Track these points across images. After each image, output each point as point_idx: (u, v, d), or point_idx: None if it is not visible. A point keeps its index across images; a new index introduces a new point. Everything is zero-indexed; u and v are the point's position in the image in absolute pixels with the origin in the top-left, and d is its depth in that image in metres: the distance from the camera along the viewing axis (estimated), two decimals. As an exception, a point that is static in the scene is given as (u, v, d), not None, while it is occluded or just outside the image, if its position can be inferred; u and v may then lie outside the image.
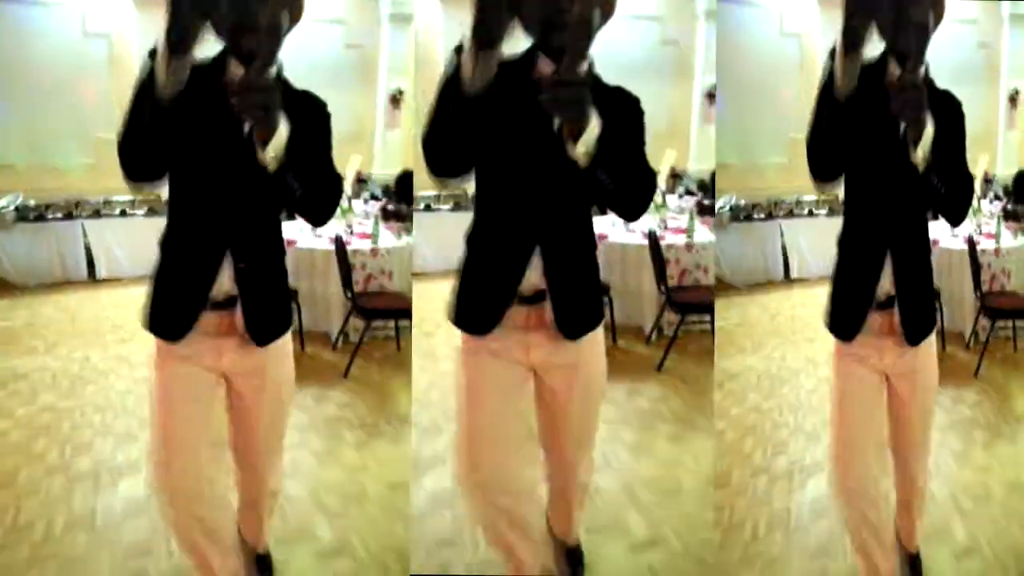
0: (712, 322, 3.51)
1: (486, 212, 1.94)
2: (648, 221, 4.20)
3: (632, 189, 1.90)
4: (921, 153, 1.84)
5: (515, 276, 1.91)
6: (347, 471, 2.87)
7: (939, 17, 1.92)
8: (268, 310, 1.93)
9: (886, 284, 2.00)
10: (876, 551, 2.11)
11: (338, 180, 1.95)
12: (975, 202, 4.22)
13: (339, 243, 3.95)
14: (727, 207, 4.09)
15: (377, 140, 4.88)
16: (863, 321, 2.02)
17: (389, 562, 2.41)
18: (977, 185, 4.37)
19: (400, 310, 3.78)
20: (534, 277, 1.92)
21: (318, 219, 1.94)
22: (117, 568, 2.31)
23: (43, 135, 4.44)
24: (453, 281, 1.99)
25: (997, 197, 4.47)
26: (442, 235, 4.40)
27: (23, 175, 4.42)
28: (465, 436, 1.98)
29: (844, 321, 2.05)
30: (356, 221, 4.28)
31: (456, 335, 1.99)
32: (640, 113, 1.94)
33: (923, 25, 1.88)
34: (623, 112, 1.90)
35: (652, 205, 4.20)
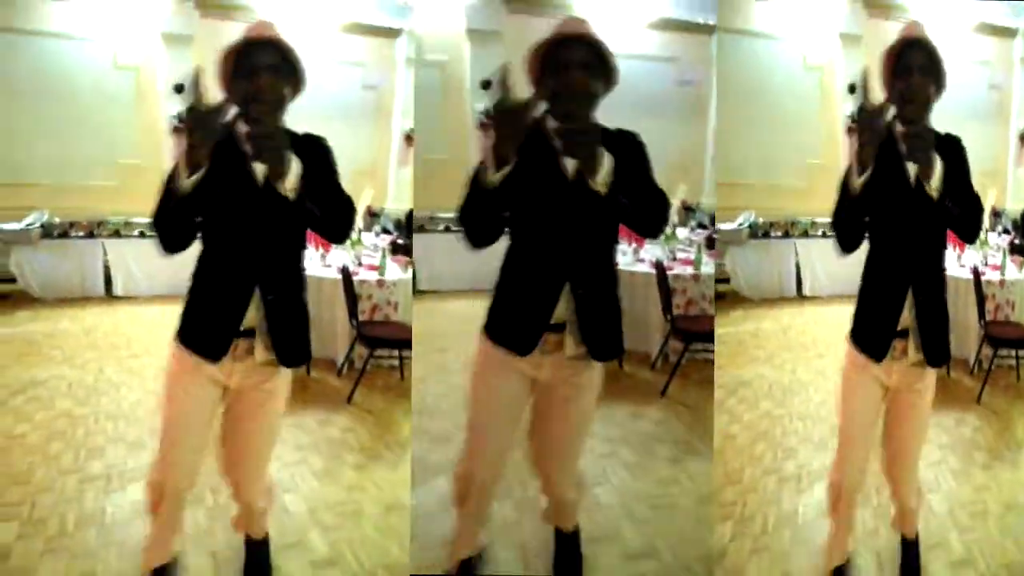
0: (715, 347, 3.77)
1: (520, 247, 2.22)
2: (656, 252, 4.49)
3: (648, 208, 2.18)
4: (935, 184, 2.22)
5: (550, 306, 2.20)
6: (345, 490, 3.06)
7: (940, 89, 2.30)
8: (293, 337, 2.20)
9: (906, 314, 2.34)
10: (842, 528, 2.49)
11: (350, 201, 2.20)
12: (982, 235, 4.48)
13: (346, 273, 4.17)
14: (746, 224, 4.34)
15: (390, 176, 5.12)
16: (890, 345, 2.35)
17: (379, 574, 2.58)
18: (986, 219, 4.65)
19: (404, 340, 3.99)
20: (560, 309, 2.20)
21: (337, 236, 2.23)
22: (125, 562, 2.51)
23: (70, 158, 4.71)
24: (489, 301, 2.27)
25: (1006, 231, 4.71)
26: (438, 256, 4.67)
27: (49, 195, 4.67)
28: (473, 425, 2.30)
29: (869, 341, 2.37)
30: (365, 253, 4.51)
31: (465, 351, 2.26)
32: (641, 145, 2.23)
33: (927, 100, 2.28)
34: (627, 148, 2.19)
35: (662, 237, 4.53)
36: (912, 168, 2.27)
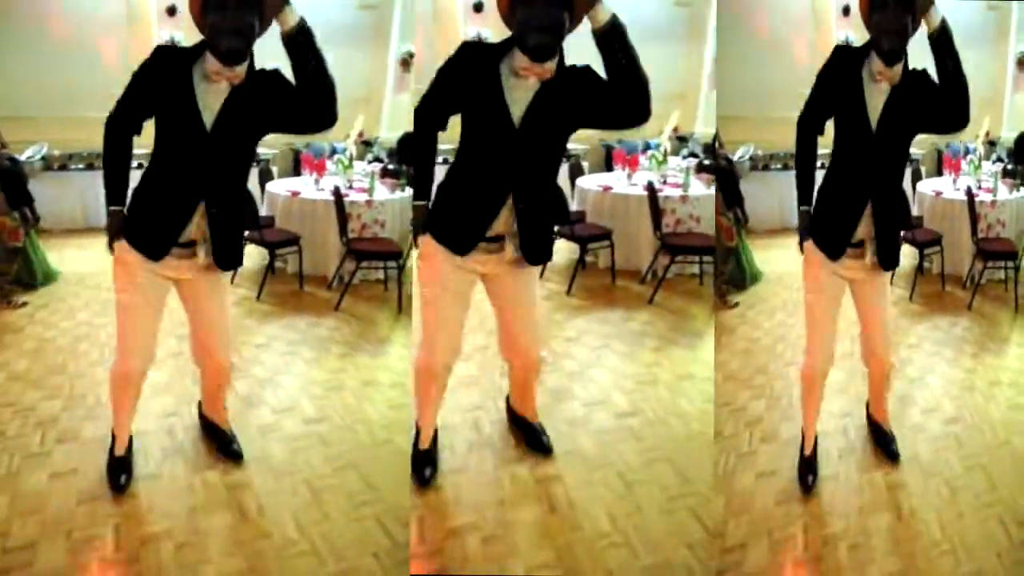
0: (702, 264, 4.72)
1: (468, 161, 2.77)
2: (649, 176, 5.17)
3: (619, 95, 2.61)
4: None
5: (490, 218, 2.77)
6: (330, 372, 3.86)
7: (916, 22, 2.75)
8: (231, 246, 2.81)
9: (864, 224, 2.90)
10: (812, 414, 3.12)
11: (329, 88, 2.65)
12: (976, 160, 5.19)
13: (337, 194, 4.86)
14: (746, 157, 4.88)
15: (385, 103, 5.52)
16: (844, 250, 2.91)
17: (359, 430, 3.37)
18: (980, 146, 5.26)
19: (389, 253, 4.72)
20: (500, 219, 2.78)
21: (321, 125, 2.68)
22: (152, 424, 3.29)
23: (63, 89, 5.07)
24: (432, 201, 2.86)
25: (1000, 159, 5.27)
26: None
27: (46, 127, 5.12)
28: (427, 321, 2.91)
29: (828, 242, 2.93)
30: (356, 178, 5.17)
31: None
32: (589, 68, 2.68)
33: (904, 30, 2.73)
34: (580, 80, 2.68)
35: (654, 161, 5.17)
36: (881, 98, 2.78)
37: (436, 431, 3.08)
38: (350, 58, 5.25)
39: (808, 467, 3.10)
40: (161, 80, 2.64)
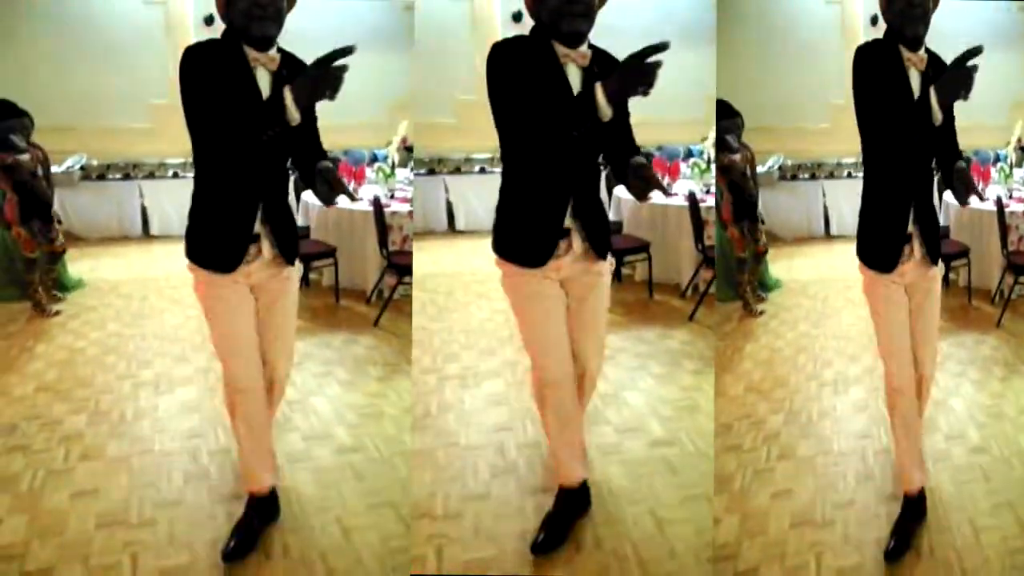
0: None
1: (528, 167, 2.69)
2: (690, 185, 5.00)
3: (619, 157, 2.68)
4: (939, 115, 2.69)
5: (561, 217, 2.71)
6: (368, 396, 3.73)
7: (936, 3, 2.76)
8: (291, 236, 2.77)
9: (909, 226, 2.86)
10: (906, 438, 2.95)
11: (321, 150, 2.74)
12: (1007, 168, 5.01)
13: (377, 204, 4.75)
14: (775, 167, 4.80)
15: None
16: (900, 256, 2.83)
17: (397, 464, 3.24)
18: (1011, 152, 5.10)
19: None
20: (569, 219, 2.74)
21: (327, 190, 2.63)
22: (177, 444, 3.24)
23: (103, 99, 5.11)
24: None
25: None
26: (474, 197, 5.17)
27: (85, 137, 5.15)
28: (530, 340, 2.83)
29: (883, 257, 2.85)
30: (399, 186, 5.06)
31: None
32: None
33: (924, 15, 2.74)
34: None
35: (697, 170, 5.05)
36: (915, 84, 2.74)
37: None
38: (392, 61, 5.19)
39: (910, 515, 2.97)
40: (208, 75, 2.55)
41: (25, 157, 4.32)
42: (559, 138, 2.57)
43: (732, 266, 4.53)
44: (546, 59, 2.60)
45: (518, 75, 2.58)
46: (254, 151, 2.54)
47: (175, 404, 3.35)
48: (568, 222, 2.73)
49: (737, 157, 4.53)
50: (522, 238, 2.74)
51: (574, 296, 2.85)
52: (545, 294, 2.78)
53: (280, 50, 2.64)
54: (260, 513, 2.82)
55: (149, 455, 3.15)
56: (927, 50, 2.78)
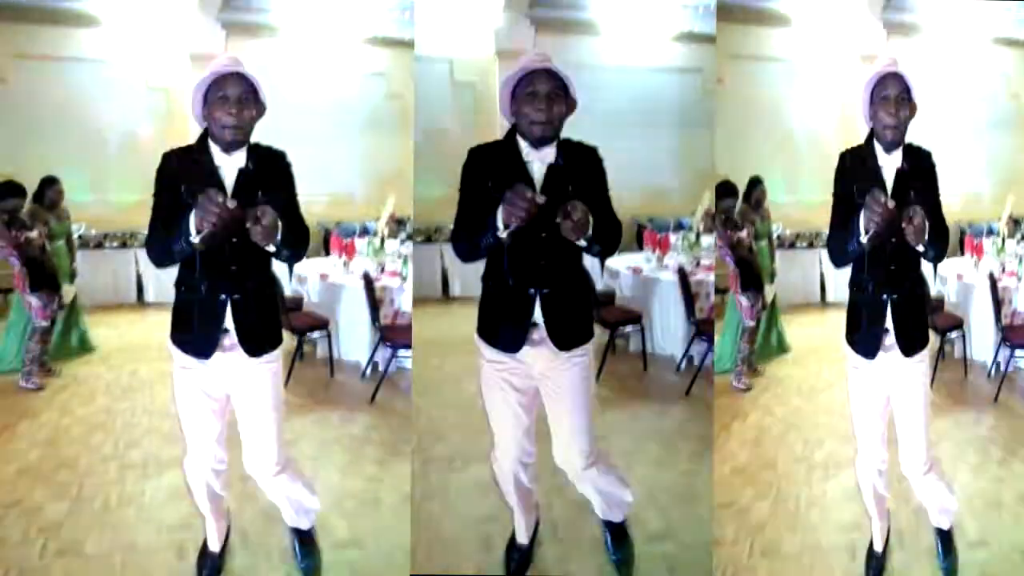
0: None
1: (498, 260, 2.80)
2: (680, 259, 5.04)
3: (601, 234, 2.69)
4: (913, 233, 2.73)
5: (528, 309, 2.80)
6: (365, 481, 3.65)
7: (913, 113, 2.93)
8: (260, 332, 2.79)
9: (887, 321, 2.96)
10: (877, 512, 3.09)
11: (306, 228, 2.80)
12: (1000, 242, 5.07)
13: (368, 279, 4.77)
14: (775, 235, 4.91)
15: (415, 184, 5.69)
16: (878, 347, 2.93)
17: (394, 554, 3.16)
18: (1004, 226, 5.17)
19: (423, 342, 4.57)
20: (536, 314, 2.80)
21: (290, 260, 2.78)
22: (163, 538, 3.14)
23: (106, 175, 5.36)
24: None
25: None
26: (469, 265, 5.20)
27: (87, 209, 5.29)
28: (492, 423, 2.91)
29: (863, 346, 2.97)
30: (388, 260, 5.08)
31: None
32: (600, 163, 2.85)
33: (904, 122, 2.90)
34: (588, 163, 2.81)
35: (687, 243, 5.08)
36: (890, 184, 2.86)
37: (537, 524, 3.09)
38: (380, 142, 5.36)
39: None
40: (178, 179, 2.71)
41: (33, 234, 4.46)
42: (517, 236, 2.67)
43: (736, 335, 4.58)
44: (512, 160, 2.75)
45: (485, 178, 2.73)
46: (212, 251, 2.66)
47: (162, 490, 3.26)
48: (537, 315, 2.81)
49: (744, 233, 4.63)
50: (492, 324, 2.86)
51: (549, 392, 2.88)
52: (508, 387, 2.86)
53: (250, 147, 2.76)
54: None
55: (132, 552, 3.06)
56: (907, 146, 2.92)
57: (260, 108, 2.75)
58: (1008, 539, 3.30)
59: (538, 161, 2.77)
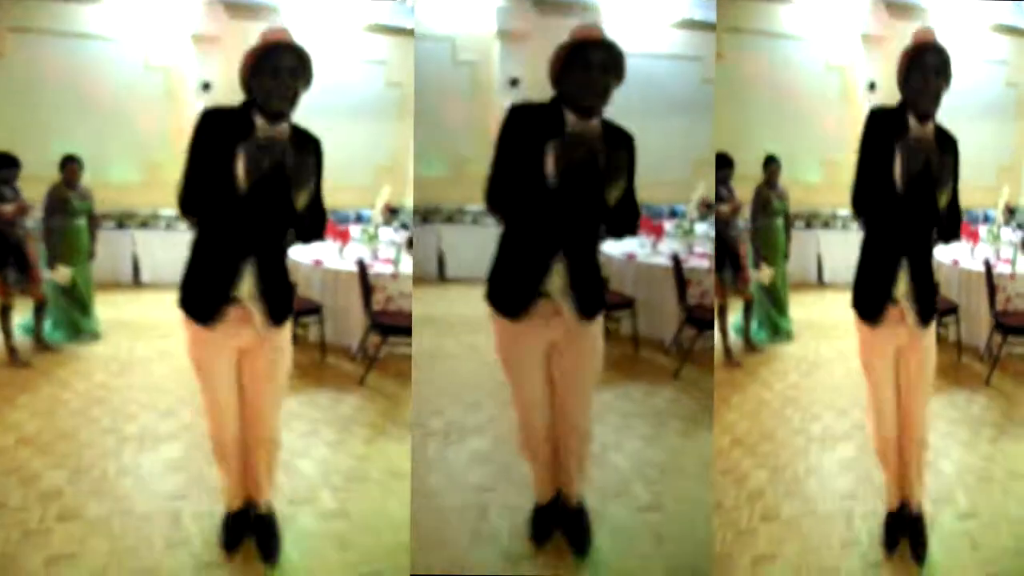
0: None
1: (519, 224, 2.84)
2: (674, 245, 5.05)
3: (618, 216, 2.82)
4: (944, 197, 2.88)
5: (540, 276, 2.83)
6: (354, 459, 3.69)
7: (948, 83, 2.95)
8: (281, 299, 2.83)
9: (902, 285, 3.00)
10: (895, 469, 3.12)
11: (324, 213, 2.87)
12: (995, 229, 5.15)
13: (362, 266, 4.81)
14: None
15: (410, 173, 5.39)
16: (884, 310, 2.97)
17: (381, 527, 3.20)
18: (999, 214, 5.24)
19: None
20: (553, 278, 2.83)
21: (306, 240, 2.87)
22: (156, 505, 3.17)
23: (104, 155, 5.24)
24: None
25: (1020, 227, 5.20)
26: (465, 246, 5.23)
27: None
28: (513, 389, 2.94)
29: (871, 308, 3.00)
30: (382, 247, 5.13)
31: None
32: (633, 149, 2.90)
33: (938, 94, 2.95)
34: (623, 146, 2.87)
35: (680, 231, 5.13)
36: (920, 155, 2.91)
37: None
38: (379, 130, 5.37)
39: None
40: (220, 137, 2.71)
41: (8, 208, 4.39)
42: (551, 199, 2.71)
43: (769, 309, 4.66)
44: (556, 127, 2.79)
45: (527, 139, 2.76)
46: (240, 210, 2.68)
47: (159, 462, 3.28)
48: (557, 281, 2.83)
49: (724, 207, 4.67)
50: (504, 283, 2.90)
51: (560, 361, 2.91)
52: (524, 353, 2.88)
53: (293, 126, 2.79)
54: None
55: (130, 517, 3.09)
56: (938, 127, 2.96)
57: (308, 80, 2.77)
58: (996, 510, 3.40)
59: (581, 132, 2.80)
